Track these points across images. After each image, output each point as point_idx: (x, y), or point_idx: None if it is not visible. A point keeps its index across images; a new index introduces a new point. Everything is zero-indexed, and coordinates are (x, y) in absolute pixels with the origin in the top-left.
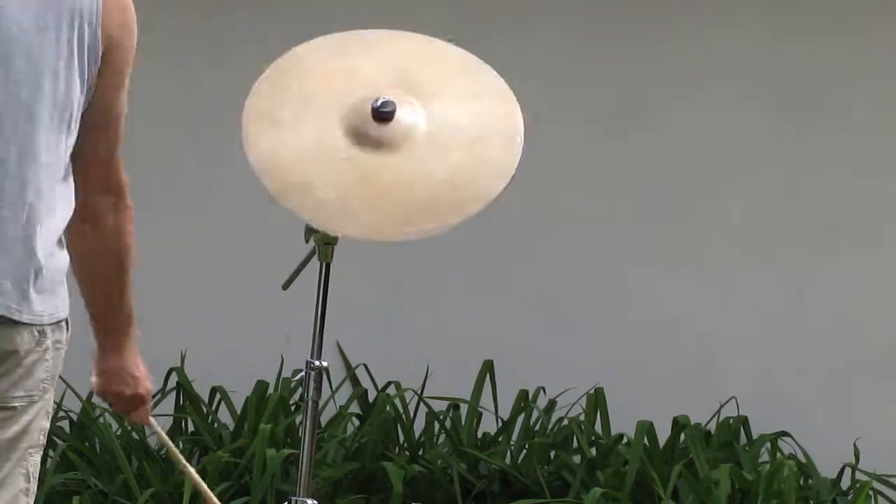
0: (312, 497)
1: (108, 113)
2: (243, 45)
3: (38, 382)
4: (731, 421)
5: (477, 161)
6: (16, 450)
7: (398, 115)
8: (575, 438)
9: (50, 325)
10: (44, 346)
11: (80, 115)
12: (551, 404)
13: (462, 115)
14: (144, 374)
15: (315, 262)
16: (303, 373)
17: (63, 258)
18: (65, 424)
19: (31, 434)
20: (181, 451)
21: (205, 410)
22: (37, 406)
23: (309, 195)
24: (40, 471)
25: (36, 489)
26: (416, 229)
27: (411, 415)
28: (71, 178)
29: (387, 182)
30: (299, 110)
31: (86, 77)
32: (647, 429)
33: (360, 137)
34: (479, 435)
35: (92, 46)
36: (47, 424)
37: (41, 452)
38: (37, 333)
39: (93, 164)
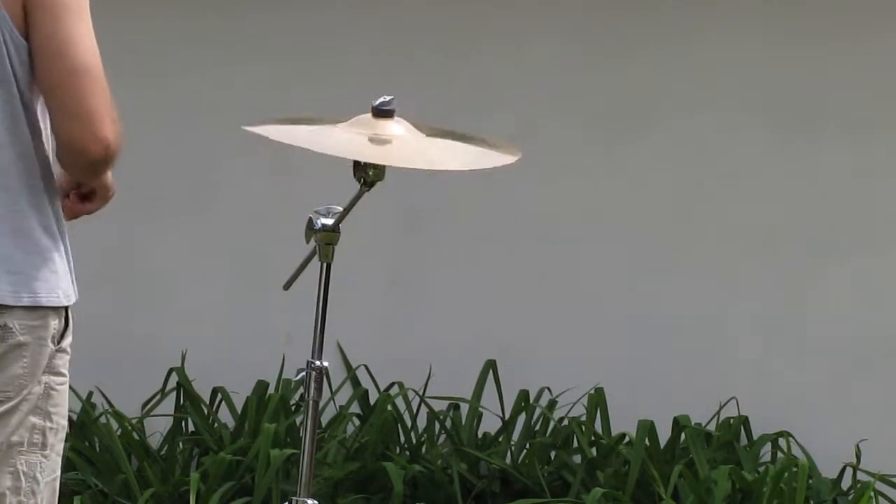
0: (313, 497)
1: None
2: (245, 48)
3: (12, 379)
4: (731, 421)
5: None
6: None
7: (398, 119)
8: (575, 438)
9: (20, 308)
10: (12, 340)
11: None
12: (552, 404)
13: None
14: None
15: (316, 262)
16: (303, 372)
17: (40, 240)
18: None
19: (13, 432)
20: (181, 452)
21: (205, 411)
22: (13, 403)
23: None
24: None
25: (39, 489)
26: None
27: (413, 414)
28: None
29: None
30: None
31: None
32: (648, 428)
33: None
34: (480, 435)
35: None
36: (44, 423)
37: (40, 452)
38: None
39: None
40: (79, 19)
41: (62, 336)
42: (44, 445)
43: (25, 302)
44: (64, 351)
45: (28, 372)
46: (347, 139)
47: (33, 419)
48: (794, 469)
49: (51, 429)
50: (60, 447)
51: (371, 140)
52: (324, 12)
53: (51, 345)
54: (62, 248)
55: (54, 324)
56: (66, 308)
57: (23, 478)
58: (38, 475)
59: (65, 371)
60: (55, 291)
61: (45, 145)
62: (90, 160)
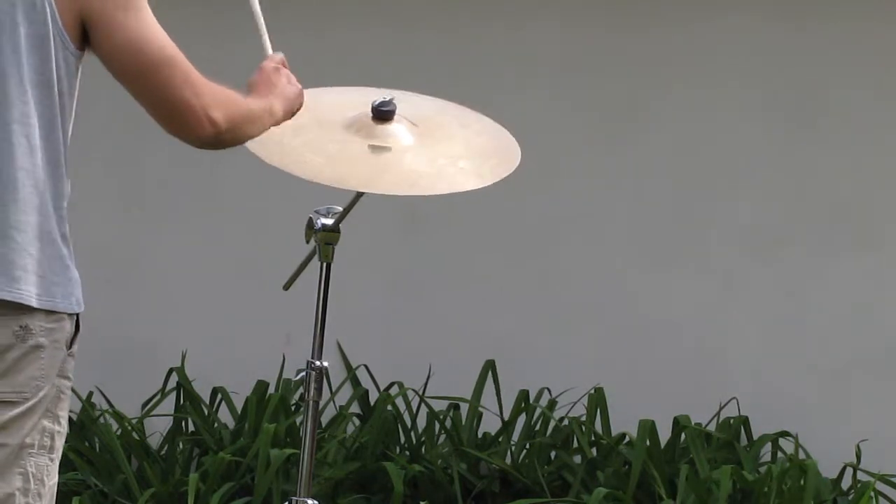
0: (313, 497)
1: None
2: (245, 43)
3: (29, 380)
4: (731, 421)
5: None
6: (4, 447)
7: (397, 119)
8: (575, 438)
9: (41, 311)
10: (32, 342)
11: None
12: (552, 404)
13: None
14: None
15: (316, 263)
16: (303, 372)
17: (61, 246)
18: None
19: (28, 434)
20: (181, 452)
21: (205, 411)
22: (30, 405)
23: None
24: None
25: (44, 492)
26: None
27: (413, 414)
28: (53, 156)
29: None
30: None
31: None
32: (648, 428)
33: (357, 131)
34: (480, 435)
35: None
36: (53, 426)
37: (48, 455)
38: (18, 328)
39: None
40: (144, 17)
41: (72, 341)
42: (51, 449)
43: (47, 306)
44: (72, 356)
45: (45, 374)
46: (346, 157)
47: (45, 422)
48: (797, 469)
49: (58, 432)
50: (61, 452)
51: (370, 148)
52: (326, 8)
53: (64, 349)
54: (73, 255)
55: (68, 328)
56: (77, 315)
57: (32, 479)
58: (45, 478)
59: (71, 376)
60: (70, 297)
61: (67, 152)
62: (208, 145)
